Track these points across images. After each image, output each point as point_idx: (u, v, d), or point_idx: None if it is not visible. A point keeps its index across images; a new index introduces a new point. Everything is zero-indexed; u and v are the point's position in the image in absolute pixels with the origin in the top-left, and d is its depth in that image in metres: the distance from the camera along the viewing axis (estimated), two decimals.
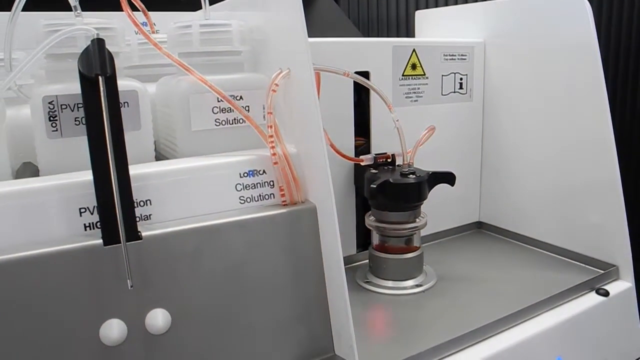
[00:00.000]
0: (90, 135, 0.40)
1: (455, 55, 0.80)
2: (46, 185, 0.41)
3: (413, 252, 0.68)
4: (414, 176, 0.66)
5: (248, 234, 0.46)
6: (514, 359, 0.56)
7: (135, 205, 0.43)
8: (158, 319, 0.42)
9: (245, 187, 0.49)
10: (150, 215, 0.44)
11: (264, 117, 0.53)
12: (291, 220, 0.48)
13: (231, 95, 0.50)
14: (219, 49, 0.53)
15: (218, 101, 0.51)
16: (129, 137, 0.41)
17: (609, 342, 0.67)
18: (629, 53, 1.26)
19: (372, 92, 0.71)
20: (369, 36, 1.64)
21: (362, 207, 0.74)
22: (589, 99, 0.69)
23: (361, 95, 0.73)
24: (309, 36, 0.48)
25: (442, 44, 0.79)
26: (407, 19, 1.61)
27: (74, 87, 0.42)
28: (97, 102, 0.40)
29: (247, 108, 0.52)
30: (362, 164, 0.70)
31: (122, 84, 0.45)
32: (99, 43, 0.40)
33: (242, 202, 0.48)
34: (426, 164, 0.69)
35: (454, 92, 0.81)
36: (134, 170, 0.42)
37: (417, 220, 0.68)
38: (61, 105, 0.45)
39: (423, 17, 0.94)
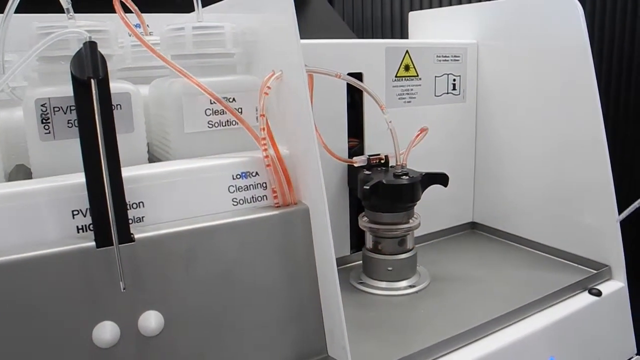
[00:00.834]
0: (83, 138, 0.40)
1: (448, 57, 0.80)
2: (39, 188, 0.41)
3: (407, 253, 0.68)
4: (408, 177, 0.66)
5: (241, 236, 0.46)
6: (507, 359, 0.57)
7: (128, 207, 0.43)
8: (151, 320, 0.42)
9: (238, 189, 0.49)
10: (143, 217, 0.44)
11: (256, 119, 0.53)
12: (284, 222, 0.49)
13: (224, 98, 0.50)
14: (211, 51, 0.53)
15: (211, 103, 0.51)
16: (121, 139, 0.41)
17: (602, 342, 0.68)
18: (622, 54, 1.27)
19: (365, 93, 0.71)
20: (363, 37, 1.65)
21: (355, 208, 0.74)
22: (581, 100, 0.69)
23: (354, 97, 0.73)
24: (303, 37, 0.48)
25: (435, 45, 0.79)
26: (401, 20, 1.62)
27: (67, 90, 0.42)
28: (90, 104, 0.40)
29: (239, 110, 0.53)
30: (356, 165, 0.70)
31: (115, 86, 0.45)
32: (91, 46, 0.40)
33: (235, 204, 0.48)
34: (419, 165, 0.70)
35: (447, 93, 0.81)
36: (126, 172, 0.42)
37: (411, 221, 0.68)
38: (54, 107, 0.45)
39: (416, 18, 0.94)
